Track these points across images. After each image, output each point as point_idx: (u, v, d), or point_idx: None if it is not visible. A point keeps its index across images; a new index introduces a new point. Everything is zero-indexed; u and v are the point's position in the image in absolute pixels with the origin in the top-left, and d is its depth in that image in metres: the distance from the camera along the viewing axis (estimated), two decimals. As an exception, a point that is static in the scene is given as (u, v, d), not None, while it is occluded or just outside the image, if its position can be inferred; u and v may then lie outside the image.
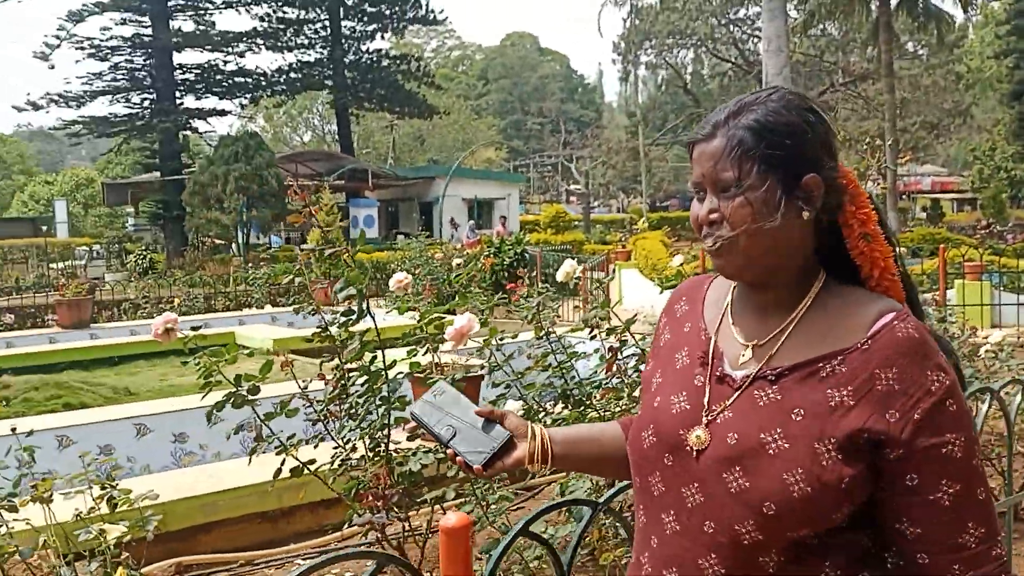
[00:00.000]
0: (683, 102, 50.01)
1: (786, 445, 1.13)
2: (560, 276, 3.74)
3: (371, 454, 3.80)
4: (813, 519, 1.11)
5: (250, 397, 3.65)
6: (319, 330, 4.03)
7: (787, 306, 1.22)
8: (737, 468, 1.15)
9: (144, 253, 27.78)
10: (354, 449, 3.82)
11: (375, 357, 3.60)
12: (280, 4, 32.22)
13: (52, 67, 29.13)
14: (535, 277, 15.66)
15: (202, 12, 30.64)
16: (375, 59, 34.22)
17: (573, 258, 16.91)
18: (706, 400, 1.22)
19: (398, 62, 34.77)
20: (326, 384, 4.04)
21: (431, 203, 33.88)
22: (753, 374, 1.20)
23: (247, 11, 31.58)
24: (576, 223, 34.37)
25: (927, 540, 1.12)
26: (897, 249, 1.27)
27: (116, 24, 29.74)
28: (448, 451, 1.36)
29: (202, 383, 3.59)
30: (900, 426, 1.10)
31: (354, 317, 3.64)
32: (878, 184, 42.11)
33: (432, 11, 32.95)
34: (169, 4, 29.63)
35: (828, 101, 40.27)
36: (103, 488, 3.31)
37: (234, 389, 3.62)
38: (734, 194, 1.17)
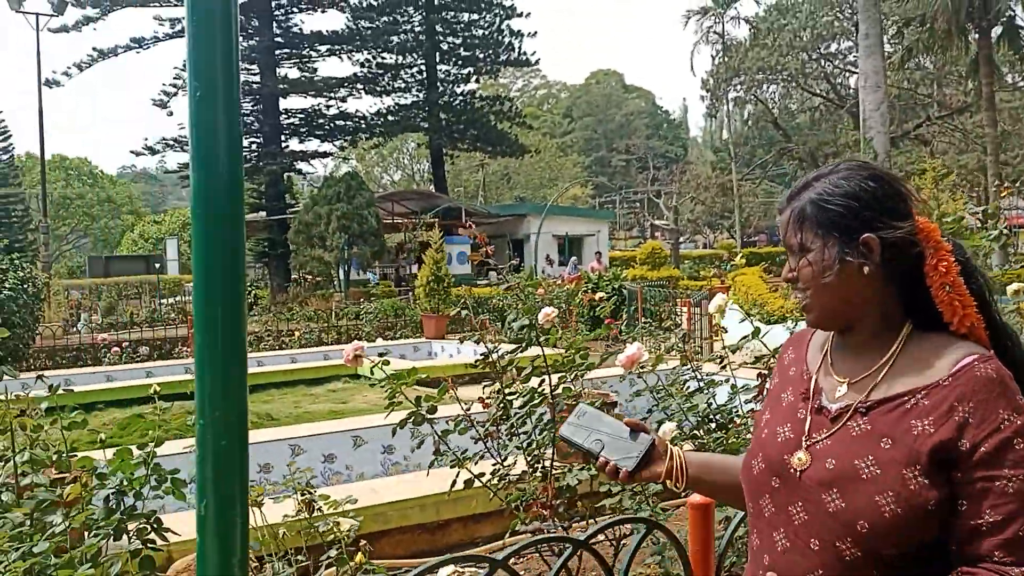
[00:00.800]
0: (772, 136, 49.68)
1: (878, 471, 1.26)
2: (712, 309, 4.08)
3: (530, 470, 4.22)
4: (903, 537, 1.24)
5: (428, 416, 4.11)
6: (482, 357, 4.46)
7: (877, 349, 1.37)
8: (835, 490, 1.29)
9: (249, 289, 29.10)
10: (513, 465, 4.23)
11: (542, 381, 4.01)
12: (379, 50, 33.52)
13: (171, 113, 30.86)
14: (635, 312, 15.95)
15: (307, 60, 32.13)
16: (468, 101, 35.20)
17: (669, 293, 17.16)
18: (807, 428, 1.37)
19: (490, 103, 35.69)
20: (484, 407, 4.48)
21: (521, 240, 34.49)
22: (848, 407, 1.35)
23: (348, 58, 33.00)
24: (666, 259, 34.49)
25: (954, 555, 1.25)
26: (989, 295, 1.38)
27: (226, 73, 31.42)
28: (599, 460, 1.51)
29: (387, 403, 4.08)
30: (968, 454, 1.23)
31: (523, 345, 4.08)
32: (976, 217, 40.75)
33: (524, 53, 33.81)
34: (276, 53, 31.20)
35: (924, 135, 39.56)
36: (303, 495, 3.80)
37: (414, 409, 4.10)
38: (800, 256, 1.39)
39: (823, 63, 41.80)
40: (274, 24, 31.01)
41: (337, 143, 34.32)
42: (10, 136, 51.66)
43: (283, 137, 31.82)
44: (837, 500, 1.28)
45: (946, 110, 38.46)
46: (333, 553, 2.81)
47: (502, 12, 33.87)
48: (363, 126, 33.51)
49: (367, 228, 27.07)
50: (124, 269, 35.92)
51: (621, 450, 1.51)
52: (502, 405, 4.38)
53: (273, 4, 30.87)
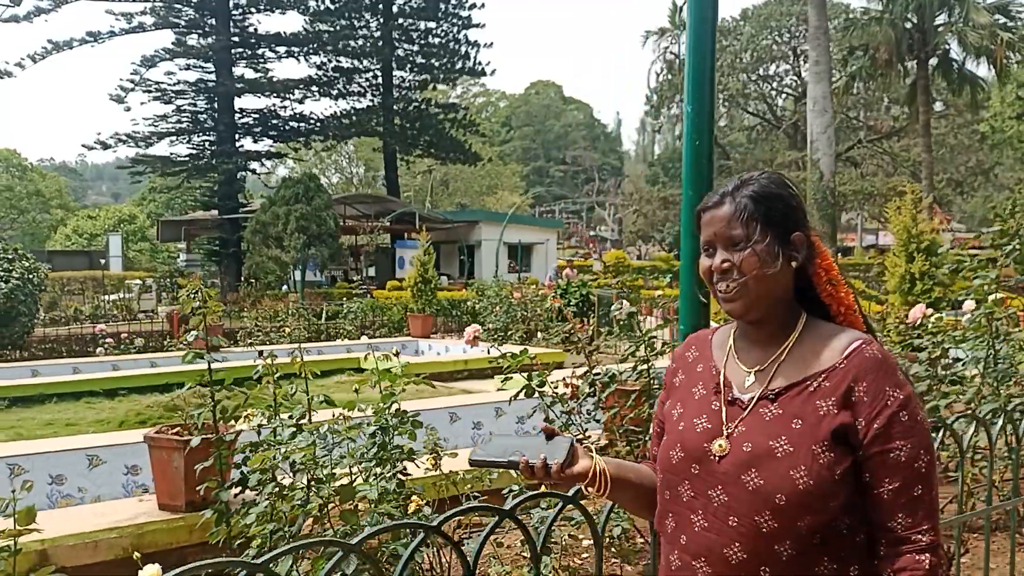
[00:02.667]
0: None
1: (790, 448, 1.39)
2: (615, 312, 4.77)
3: (605, 442, 4.93)
4: (816, 507, 1.37)
5: (538, 389, 4.74)
6: (502, 355, 4.95)
7: (779, 339, 1.51)
8: (753, 470, 1.41)
9: (196, 288, 28.93)
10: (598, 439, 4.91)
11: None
12: (335, 54, 33.75)
13: (128, 108, 30.49)
14: (602, 316, 16.72)
15: (263, 60, 32.17)
16: (423, 107, 35.65)
17: (626, 299, 18.00)
18: (724, 418, 1.49)
19: (445, 111, 36.23)
20: (571, 388, 5.14)
21: (472, 246, 35.06)
22: (757, 395, 1.48)
23: (305, 60, 33.12)
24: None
25: (872, 524, 1.42)
26: (854, 291, 1.58)
27: (181, 69, 31.31)
28: (523, 464, 1.49)
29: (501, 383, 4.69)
30: (864, 431, 1.40)
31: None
32: (957, 238, 42.87)
33: (479, 63, 34.45)
34: (233, 52, 31.18)
35: (854, 157, 41.55)
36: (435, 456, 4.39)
37: (527, 384, 4.72)
38: (743, 247, 1.47)
39: (761, 84, 43.55)
40: (231, 23, 30.99)
41: (291, 144, 34.37)
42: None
43: (237, 136, 31.78)
44: (756, 479, 1.40)
45: (875, 134, 40.49)
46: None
47: (459, 22, 34.47)
48: (317, 128, 33.65)
49: (325, 230, 27.24)
50: (66, 264, 35.21)
51: (546, 451, 1.51)
52: (590, 384, 5.06)
53: (231, 4, 30.85)
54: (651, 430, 1.73)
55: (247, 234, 27.51)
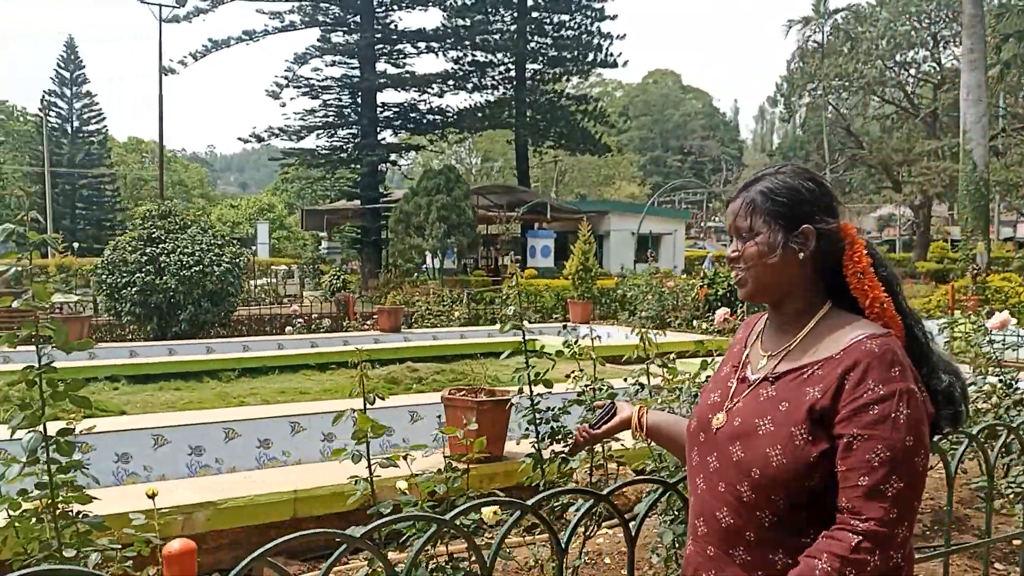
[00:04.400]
0: (830, 143, 50.12)
1: (771, 428, 1.48)
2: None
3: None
4: (788, 484, 1.44)
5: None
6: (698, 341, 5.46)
7: (796, 326, 1.57)
8: (738, 443, 1.52)
9: (338, 274, 30.44)
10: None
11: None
12: (471, 49, 34.72)
13: (283, 104, 32.30)
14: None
15: (403, 56, 33.42)
16: (555, 99, 36.27)
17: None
18: (730, 394, 1.62)
19: (576, 102, 36.78)
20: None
21: (601, 236, 35.50)
22: (761, 377, 1.58)
23: (443, 55, 34.21)
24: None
25: (840, 509, 1.42)
26: (895, 283, 1.60)
27: (327, 66, 32.87)
28: (576, 440, 1.94)
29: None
30: (836, 417, 1.43)
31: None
32: None
33: (611, 55, 34.77)
34: (376, 48, 32.52)
35: (997, 147, 39.87)
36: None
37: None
38: (747, 239, 1.58)
39: (898, 71, 42.24)
40: (374, 20, 32.31)
41: (427, 136, 35.56)
42: (104, 119, 53.57)
43: (378, 129, 33.14)
44: (739, 451, 1.51)
45: (1020, 122, 38.73)
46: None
47: (592, 14, 34.88)
48: (454, 121, 34.71)
49: (464, 219, 28.15)
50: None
51: (590, 421, 1.96)
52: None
53: (375, 1, 32.17)
54: None
55: (391, 223, 28.73)
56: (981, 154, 21.48)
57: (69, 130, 51.14)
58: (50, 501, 2.59)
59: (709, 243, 53.09)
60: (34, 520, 2.81)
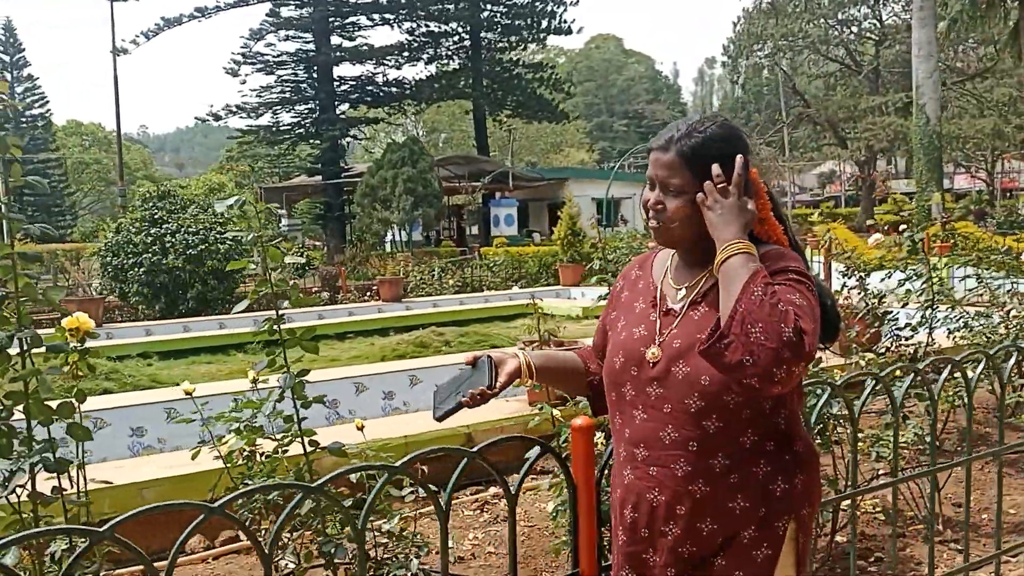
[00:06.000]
0: (769, 102, 51.21)
1: None
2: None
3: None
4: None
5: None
6: None
7: (708, 261, 1.62)
8: (681, 361, 1.60)
9: (301, 250, 30.43)
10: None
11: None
12: (425, 20, 34.67)
13: (243, 81, 31.92)
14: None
15: (358, 28, 33.29)
16: (511, 68, 36.48)
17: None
18: (657, 328, 1.68)
19: (532, 70, 37.04)
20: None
21: (559, 204, 35.98)
22: (687, 301, 1.67)
23: (398, 26, 34.11)
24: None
25: None
26: (787, 218, 1.73)
27: (281, 41, 32.60)
28: (465, 402, 1.68)
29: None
30: None
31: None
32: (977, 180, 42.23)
33: (565, 21, 35.06)
34: (330, 21, 32.32)
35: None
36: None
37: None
38: (675, 194, 1.62)
39: (841, 29, 43.18)
40: (326, -7, 32.12)
41: (386, 109, 35.54)
42: (47, 102, 52.13)
43: (336, 103, 33.03)
44: (683, 368, 1.59)
45: (960, 76, 40.01)
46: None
47: (544, -20, 35.12)
48: (411, 92, 34.72)
49: (431, 191, 28.35)
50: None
51: (475, 382, 1.71)
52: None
53: (328, -26, 31.94)
54: (596, 332, 1.94)
55: (356, 197, 28.77)
56: (933, 108, 22.39)
57: (11, 115, 49.69)
58: (299, 434, 2.96)
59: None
60: (243, 460, 3.20)
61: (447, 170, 34.21)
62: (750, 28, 41.83)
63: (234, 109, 31.31)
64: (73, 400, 2.55)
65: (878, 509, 4.23)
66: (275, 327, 2.98)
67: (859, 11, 42.13)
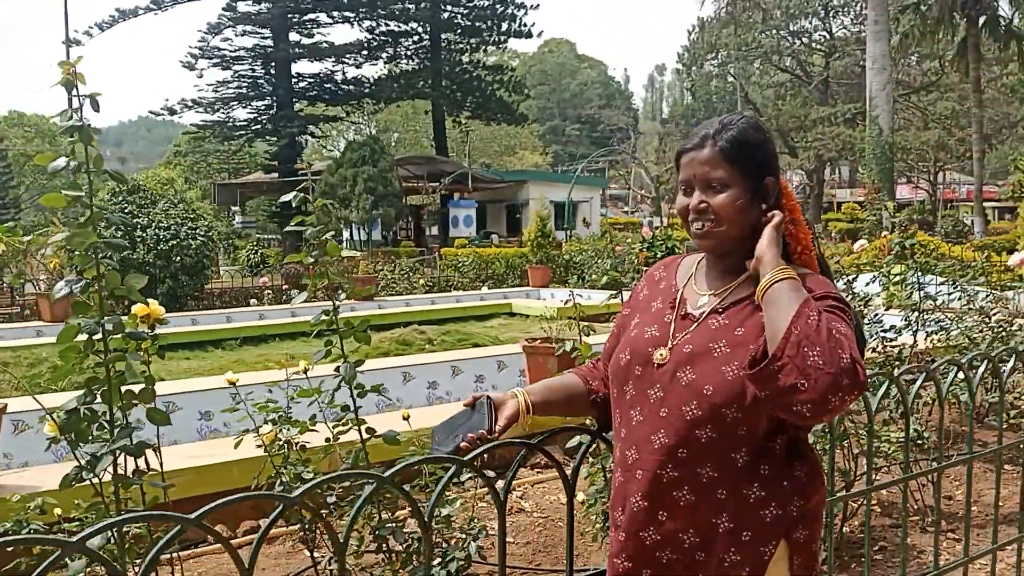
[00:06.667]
0: (719, 111, 52.09)
1: (728, 350, 1.54)
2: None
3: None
4: (739, 395, 1.50)
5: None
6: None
7: (739, 269, 1.61)
8: (688, 367, 1.57)
9: (256, 248, 30.08)
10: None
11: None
12: (385, 18, 34.54)
13: (200, 75, 31.41)
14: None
15: (316, 25, 33.03)
16: (471, 69, 36.52)
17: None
18: (671, 331, 1.64)
19: (492, 72, 37.12)
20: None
21: (520, 204, 36.17)
22: (709, 309, 1.63)
23: (358, 24, 33.94)
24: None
25: None
26: (815, 235, 1.68)
27: (238, 36, 32.20)
28: (463, 446, 1.64)
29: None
30: None
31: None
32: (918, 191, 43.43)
33: (525, 24, 35.22)
34: (288, 18, 32.04)
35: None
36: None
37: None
38: (720, 190, 1.58)
39: (793, 41, 44.17)
40: (286, -11, 31.82)
41: (345, 107, 35.32)
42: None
43: (294, 100, 32.74)
44: (689, 374, 1.56)
45: (905, 89, 41.19)
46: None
47: (504, -16, 35.23)
48: (371, 91, 34.57)
49: (391, 191, 28.25)
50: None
51: (474, 425, 1.67)
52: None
53: (287, -31, 31.64)
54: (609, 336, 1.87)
55: (315, 195, 28.53)
56: (886, 120, 23.12)
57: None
58: (356, 422, 3.05)
59: (611, 210, 54.46)
60: (280, 449, 3.29)
61: (406, 170, 34.11)
62: (705, 37, 42.61)
63: (190, 104, 30.85)
64: (151, 386, 2.61)
65: (875, 502, 4.49)
66: (333, 318, 3.08)
67: (810, 23, 43.17)
